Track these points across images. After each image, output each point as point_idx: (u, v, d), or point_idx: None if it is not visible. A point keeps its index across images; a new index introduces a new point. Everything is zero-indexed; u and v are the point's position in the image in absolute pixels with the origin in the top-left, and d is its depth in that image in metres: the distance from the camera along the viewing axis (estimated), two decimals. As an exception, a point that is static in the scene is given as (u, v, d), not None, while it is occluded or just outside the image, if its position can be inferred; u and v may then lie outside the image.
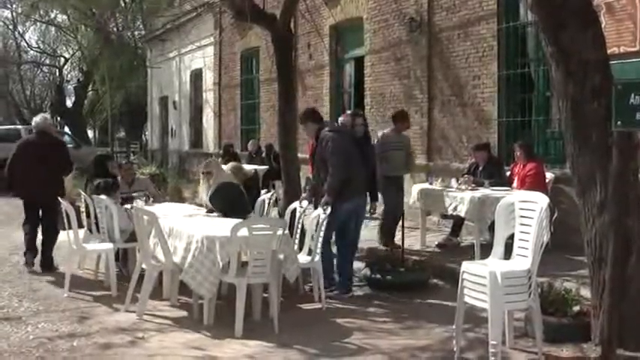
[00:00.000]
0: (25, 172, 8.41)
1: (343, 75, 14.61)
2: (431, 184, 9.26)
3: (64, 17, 32.16)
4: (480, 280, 4.96)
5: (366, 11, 13.10)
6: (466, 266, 5.18)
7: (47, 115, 9.62)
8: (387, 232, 9.15)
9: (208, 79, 21.59)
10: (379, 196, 8.33)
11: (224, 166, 8.04)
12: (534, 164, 8.46)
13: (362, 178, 7.18)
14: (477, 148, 9.28)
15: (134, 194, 8.53)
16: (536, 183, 8.08)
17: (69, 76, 41.09)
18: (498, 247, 5.38)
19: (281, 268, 6.32)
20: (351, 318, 6.34)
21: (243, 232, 5.82)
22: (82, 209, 8.59)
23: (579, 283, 6.08)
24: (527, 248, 5.07)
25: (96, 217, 8.06)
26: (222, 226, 6.26)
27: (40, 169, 8.30)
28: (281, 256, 6.21)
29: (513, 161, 9.01)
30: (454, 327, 5.27)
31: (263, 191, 8.70)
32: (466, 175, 8.92)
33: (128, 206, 7.80)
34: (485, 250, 6.46)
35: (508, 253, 5.33)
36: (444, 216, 9.73)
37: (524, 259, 5.06)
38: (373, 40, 12.92)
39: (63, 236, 8.09)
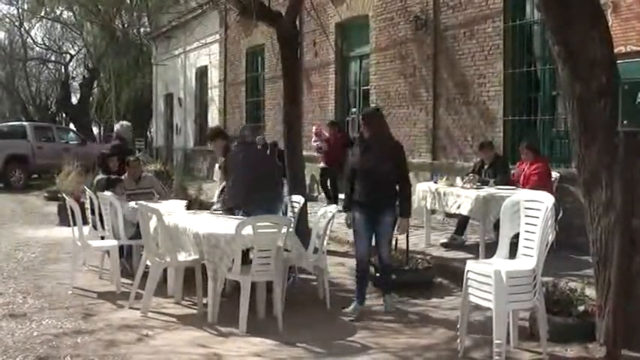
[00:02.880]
0: None
1: (349, 73, 14.59)
2: (436, 182, 9.24)
3: (70, 14, 32.22)
4: (484, 279, 4.95)
5: (371, 9, 13.07)
6: (471, 265, 5.17)
7: (124, 122, 10.54)
8: None
9: (213, 76, 21.60)
10: None
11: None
12: (540, 164, 8.43)
13: (267, 190, 6.94)
14: (483, 145, 9.26)
15: (145, 190, 8.62)
16: (541, 182, 8.06)
17: (74, 72, 41.12)
18: (503, 247, 5.37)
19: (286, 266, 6.34)
20: (355, 317, 6.33)
21: (248, 229, 5.82)
22: (87, 206, 8.61)
23: (584, 283, 6.07)
24: (532, 247, 5.06)
25: (100, 214, 8.07)
26: (227, 223, 6.27)
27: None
28: (288, 253, 6.23)
29: (519, 160, 9.00)
30: (458, 326, 5.26)
31: None
32: (471, 174, 8.90)
33: (132, 203, 7.80)
34: (490, 249, 6.44)
35: (513, 252, 5.32)
36: (449, 215, 9.70)
37: (529, 259, 5.05)
38: (379, 38, 12.90)
39: (68, 233, 8.11)
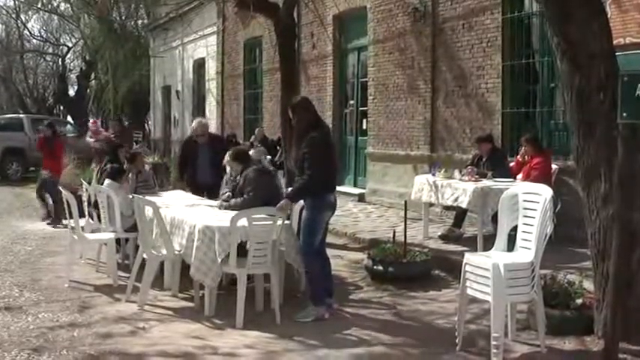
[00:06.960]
0: None
1: (347, 65, 14.54)
2: (434, 175, 9.20)
3: (67, 6, 32.06)
4: (482, 272, 4.93)
5: (369, 1, 13.01)
6: (469, 258, 5.16)
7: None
8: None
9: (211, 68, 21.54)
10: None
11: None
12: (541, 158, 8.39)
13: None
14: (480, 139, 9.23)
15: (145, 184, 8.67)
16: (541, 176, 8.02)
17: (72, 65, 41.01)
18: (501, 239, 5.35)
19: (282, 259, 6.30)
20: (352, 309, 6.32)
21: (243, 222, 5.79)
22: (84, 198, 8.58)
23: (582, 276, 6.04)
24: (530, 240, 5.04)
25: (97, 207, 8.04)
26: (223, 216, 6.25)
27: None
28: (282, 248, 6.19)
29: (517, 152, 8.98)
30: (456, 319, 5.25)
31: None
32: (469, 167, 8.87)
33: (130, 196, 7.78)
34: (488, 242, 6.43)
35: (511, 244, 5.30)
36: (447, 207, 9.67)
37: (527, 251, 5.04)
38: (377, 30, 12.85)
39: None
